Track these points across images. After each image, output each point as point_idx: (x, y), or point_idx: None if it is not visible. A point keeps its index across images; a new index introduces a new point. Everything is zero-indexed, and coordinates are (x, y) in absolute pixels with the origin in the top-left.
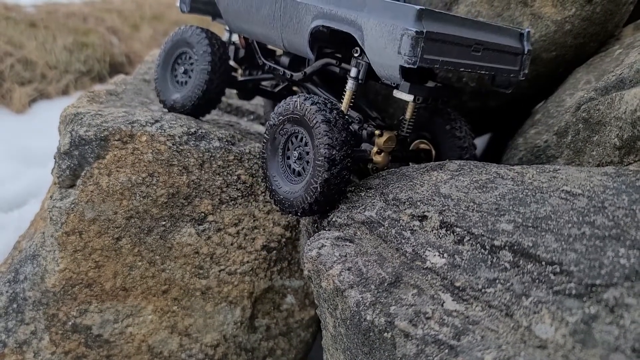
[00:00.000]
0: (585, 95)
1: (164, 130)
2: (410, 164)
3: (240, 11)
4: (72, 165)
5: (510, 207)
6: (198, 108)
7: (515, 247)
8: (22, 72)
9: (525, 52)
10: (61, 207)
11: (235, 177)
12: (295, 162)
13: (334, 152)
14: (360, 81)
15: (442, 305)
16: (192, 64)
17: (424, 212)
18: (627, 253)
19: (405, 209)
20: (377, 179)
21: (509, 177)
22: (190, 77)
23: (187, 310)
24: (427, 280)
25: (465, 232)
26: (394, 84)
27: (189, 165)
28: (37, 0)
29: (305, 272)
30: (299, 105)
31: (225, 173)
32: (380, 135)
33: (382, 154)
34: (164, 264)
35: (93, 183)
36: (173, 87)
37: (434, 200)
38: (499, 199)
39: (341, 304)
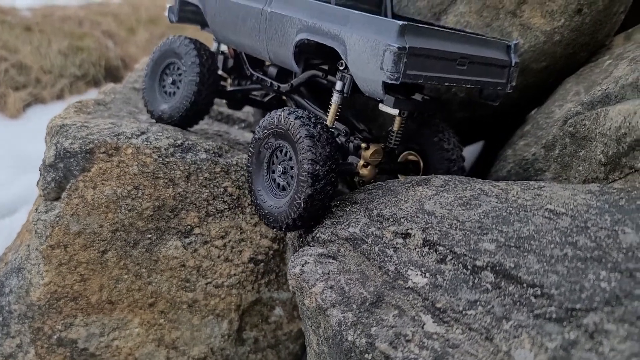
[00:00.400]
0: (573, 109)
1: (150, 142)
2: (398, 175)
3: (227, 22)
4: (57, 177)
5: (494, 226)
6: (186, 119)
7: (497, 268)
8: (17, 76)
9: (513, 65)
10: (46, 220)
11: (222, 190)
12: (279, 177)
13: (317, 168)
14: (345, 95)
15: (423, 327)
16: (180, 74)
17: (407, 229)
18: (608, 276)
19: (389, 226)
20: (363, 193)
21: (494, 194)
22: (178, 87)
23: (173, 323)
24: (408, 300)
25: (448, 251)
26: (378, 98)
27: (175, 178)
28: (33, 4)
29: (290, 288)
30: (282, 119)
31: (211, 185)
32: (367, 148)
33: (369, 167)
34: (150, 277)
35: (78, 196)
36: (161, 97)
37: (417, 217)
38: (482, 217)
39: (324, 323)
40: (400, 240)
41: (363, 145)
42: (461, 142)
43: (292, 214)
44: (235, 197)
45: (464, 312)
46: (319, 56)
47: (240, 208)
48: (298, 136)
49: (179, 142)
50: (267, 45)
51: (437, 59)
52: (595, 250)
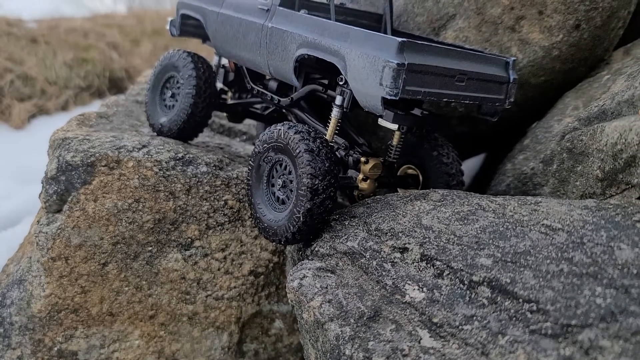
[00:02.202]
0: (570, 124)
1: (151, 155)
2: (398, 189)
3: (228, 37)
4: (59, 190)
5: (490, 241)
6: (184, 132)
7: (494, 283)
8: (22, 88)
9: (511, 81)
10: (47, 233)
11: (223, 202)
12: (279, 190)
13: (316, 182)
14: (345, 109)
15: (419, 342)
16: (179, 87)
17: (405, 243)
18: (604, 292)
19: (386, 240)
20: (362, 207)
21: (491, 209)
22: (177, 100)
23: (174, 336)
24: (405, 315)
25: (445, 265)
26: (377, 113)
27: (175, 191)
28: (39, 16)
29: (289, 302)
30: (282, 133)
31: (212, 198)
32: (366, 162)
33: (368, 180)
34: (150, 289)
35: (79, 209)
36: (161, 110)
37: (415, 231)
38: (479, 232)
39: (322, 337)
40: (398, 255)
41: (362, 159)
42: (461, 156)
43: (291, 227)
44: (235, 210)
45: (460, 327)
46: (319, 71)
47: (240, 221)
48: (297, 150)
49: (179, 155)
50: (267, 59)
51: (435, 75)
52: (591, 266)
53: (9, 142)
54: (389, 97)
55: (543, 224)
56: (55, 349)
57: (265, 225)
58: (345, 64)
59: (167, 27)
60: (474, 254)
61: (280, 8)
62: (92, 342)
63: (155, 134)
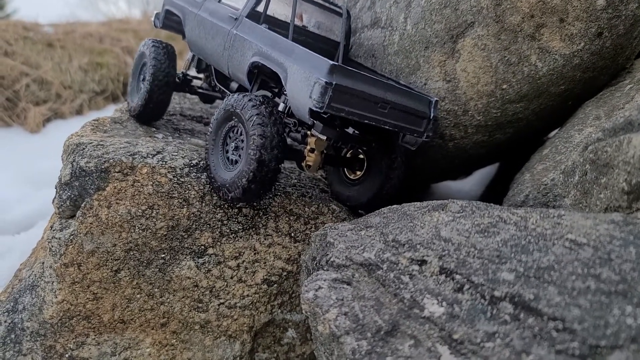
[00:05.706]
0: (593, 134)
1: (165, 162)
2: (345, 170)
3: (200, 36)
4: (73, 196)
5: (512, 255)
6: (145, 113)
7: (517, 299)
8: (38, 91)
9: (431, 118)
10: (60, 238)
11: (236, 210)
12: (232, 153)
13: (265, 142)
14: (285, 115)
15: (439, 359)
16: (146, 72)
17: (423, 256)
18: (634, 312)
19: (404, 252)
20: (378, 217)
21: (512, 221)
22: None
23: (185, 344)
24: (424, 330)
25: (465, 279)
26: (307, 122)
27: (189, 198)
28: (56, 20)
29: (304, 313)
30: (237, 100)
31: (226, 206)
32: (312, 135)
33: (315, 152)
34: (162, 297)
35: (93, 215)
36: (136, 93)
37: (433, 243)
38: (500, 245)
39: (337, 350)
40: (416, 267)
41: (309, 133)
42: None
43: (240, 183)
44: (249, 218)
45: (481, 344)
46: (272, 79)
47: (254, 229)
48: (249, 114)
49: (194, 162)
50: (228, 61)
51: (360, 98)
52: (619, 283)
53: (25, 145)
54: (314, 109)
55: (567, 239)
56: (67, 355)
57: (219, 184)
58: (287, 75)
59: (152, 19)
60: (495, 268)
61: (246, 19)
62: (104, 349)
63: (169, 139)
